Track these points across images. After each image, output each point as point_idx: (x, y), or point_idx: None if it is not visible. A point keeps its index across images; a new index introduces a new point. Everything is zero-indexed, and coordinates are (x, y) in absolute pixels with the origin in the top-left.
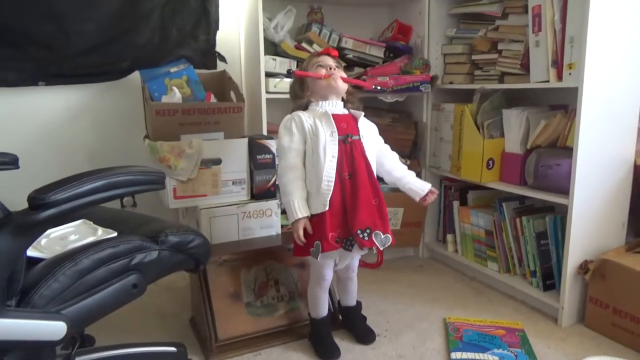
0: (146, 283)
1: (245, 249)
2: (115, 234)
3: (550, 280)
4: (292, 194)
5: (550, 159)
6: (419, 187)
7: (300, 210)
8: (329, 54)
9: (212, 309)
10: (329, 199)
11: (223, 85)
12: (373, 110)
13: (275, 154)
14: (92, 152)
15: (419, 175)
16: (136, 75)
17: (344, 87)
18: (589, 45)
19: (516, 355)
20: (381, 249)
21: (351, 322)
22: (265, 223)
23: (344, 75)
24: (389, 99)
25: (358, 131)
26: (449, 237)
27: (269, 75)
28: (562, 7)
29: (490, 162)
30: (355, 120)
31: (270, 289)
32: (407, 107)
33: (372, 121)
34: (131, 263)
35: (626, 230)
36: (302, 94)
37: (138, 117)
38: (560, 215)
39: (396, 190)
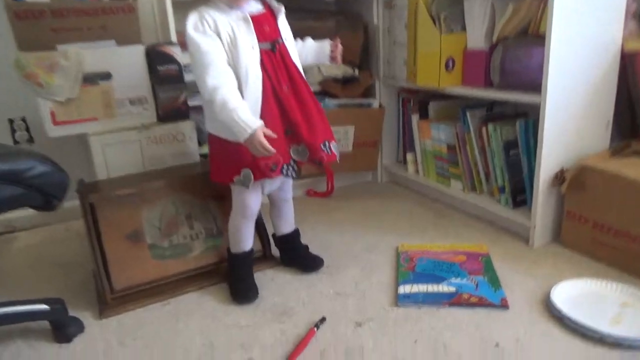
0: None
1: (145, 180)
2: None
3: (520, 196)
4: (237, 107)
5: (519, 51)
6: (320, 44)
7: (251, 118)
8: None
9: (105, 254)
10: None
11: None
12: (312, 13)
13: (187, 67)
14: None
15: (372, 88)
16: None
17: None
18: None
19: (477, 284)
20: (337, 159)
21: (291, 252)
22: (177, 150)
23: None
24: None
25: (280, 33)
26: (409, 156)
27: None
28: None
29: (450, 62)
30: (275, 17)
31: (181, 226)
32: (355, 7)
33: (311, 26)
34: None
35: (611, 130)
36: None
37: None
38: (533, 119)
39: (343, 106)
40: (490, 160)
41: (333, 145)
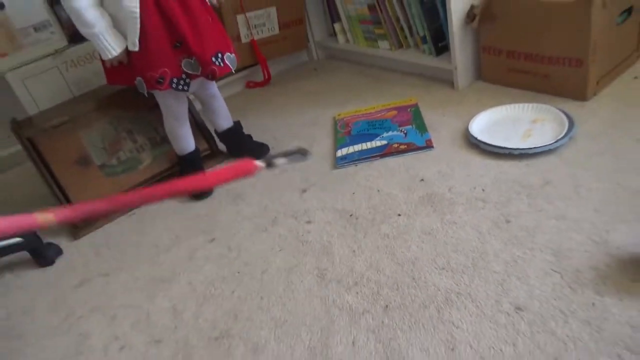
0: None
1: (76, 107)
2: None
3: (442, 42)
4: (95, 24)
5: None
6: None
7: (112, 46)
8: None
9: (59, 182)
10: (137, 38)
11: None
12: None
13: None
14: None
15: None
16: None
17: None
18: None
19: (405, 133)
20: (233, 71)
21: (236, 145)
22: (99, 67)
23: None
24: None
25: None
26: (337, 26)
27: None
28: None
29: None
30: None
31: (125, 142)
32: None
33: None
34: None
35: None
36: None
37: None
38: None
39: None
40: (409, 11)
41: (228, 56)
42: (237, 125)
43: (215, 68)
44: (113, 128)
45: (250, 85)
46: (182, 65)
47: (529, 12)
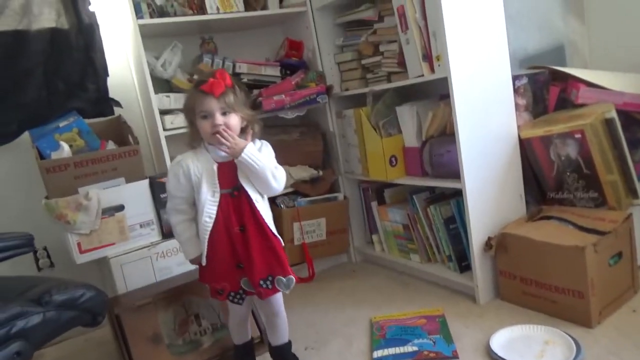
0: (34, 348)
1: (158, 290)
2: None
3: (465, 261)
4: (181, 234)
5: (440, 147)
6: None
7: (190, 252)
8: (212, 93)
9: (131, 355)
10: (205, 255)
11: (121, 131)
12: (281, 128)
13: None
14: None
15: (335, 183)
16: (26, 135)
17: (236, 128)
18: (449, 37)
19: (434, 342)
20: (287, 292)
21: None
22: (182, 259)
23: (235, 120)
24: (290, 115)
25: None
26: (374, 237)
27: (164, 112)
28: (420, 4)
29: (393, 159)
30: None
31: (192, 325)
32: (314, 119)
33: (279, 139)
34: (11, 332)
35: (525, 200)
36: (194, 136)
37: (38, 178)
38: (462, 199)
39: (314, 202)
40: (437, 234)
41: (279, 280)
42: (287, 346)
43: (262, 290)
44: (185, 311)
45: (297, 280)
46: (241, 282)
47: (534, 250)
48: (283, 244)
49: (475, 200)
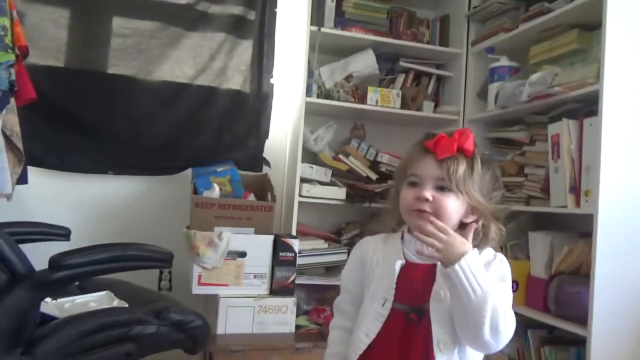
0: (141, 354)
1: (252, 341)
2: (127, 305)
3: None
4: (330, 345)
5: (571, 286)
6: None
7: None
8: (433, 151)
9: None
10: None
11: (263, 187)
12: None
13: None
14: (139, 235)
15: None
16: (189, 171)
17: (451, 216)
18: (603, 174)
19: None
20: None
21: None
22: (279, 319)
23: (454, 204)
24: None
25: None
26: None
27: (304, 180)
28: (578, 137)
29: (514, 284)
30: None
31: None
32: None
33: None
34: (129, 333)
35: None
36: (391, 214)
37: (186, 209)
38: (584, 349)
39: None
40: None
41: None
42: None
43: None
44: None
45: None
46: None
47: None
48: None
49: (601, 353)
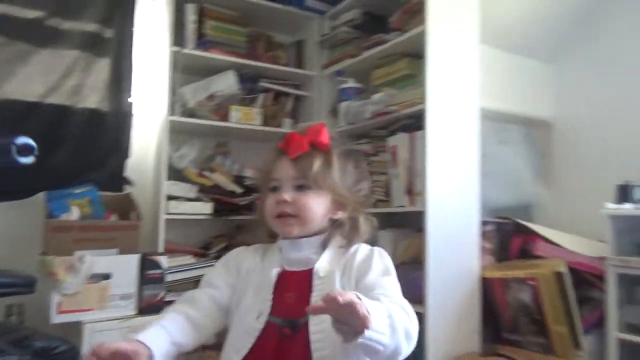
0: None
1: None
2: None
3: None
4: (163, 315)
5: (411, 273)
6: None
7: (140, 332)
8: (286, 152)
9: None
10: None
11: (126, 207)
12: None
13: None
14: None
15: None
16: (40, 195)
17: (315, 214)
18: (429, 177)
19: None
20: None
21: None
22: None
23: (315, 202)
24: None
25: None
26: None
27: (170, 198)
28: (410, 148)
29: None
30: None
31: None
32: None
33: None
34: None
35: (483, 336)
36: (261, 224)
37: (38, 234)
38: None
39: None
40: None
41: None
42: None
43: None
44: None
45: None
46: None
47: None
48: None
49: (433, 327)
